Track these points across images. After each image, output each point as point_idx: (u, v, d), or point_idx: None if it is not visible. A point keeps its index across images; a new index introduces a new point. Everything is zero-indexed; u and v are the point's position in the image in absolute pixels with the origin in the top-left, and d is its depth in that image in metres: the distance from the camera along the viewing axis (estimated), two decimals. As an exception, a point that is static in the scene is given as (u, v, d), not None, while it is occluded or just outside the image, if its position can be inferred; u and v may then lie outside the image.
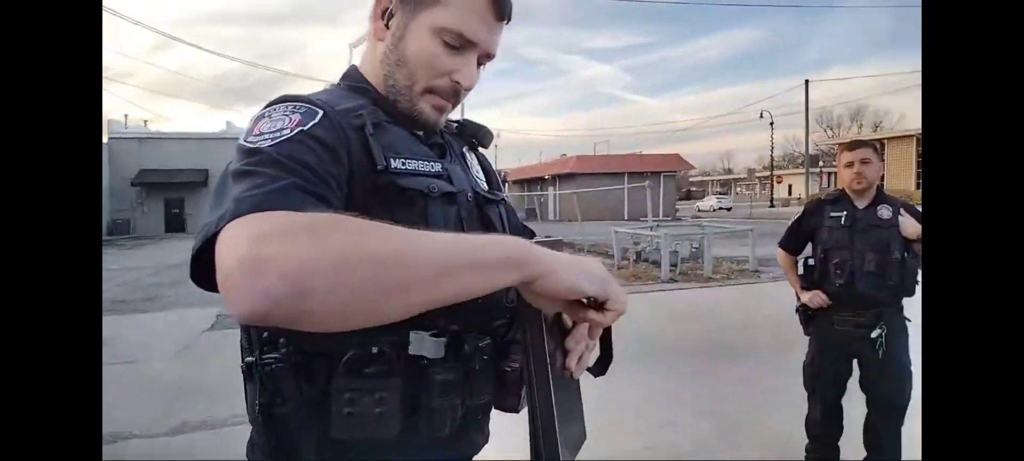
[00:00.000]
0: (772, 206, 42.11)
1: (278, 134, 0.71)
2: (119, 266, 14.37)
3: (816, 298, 2.71)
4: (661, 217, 20.29)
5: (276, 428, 0.75)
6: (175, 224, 28.82)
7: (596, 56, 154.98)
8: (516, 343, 0.84)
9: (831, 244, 2.68)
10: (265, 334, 0.75)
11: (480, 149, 1.03)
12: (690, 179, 74.30)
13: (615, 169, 32.16)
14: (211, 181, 28.57)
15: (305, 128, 0.72)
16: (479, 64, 0.88)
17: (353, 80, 0.89)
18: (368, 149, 0.78)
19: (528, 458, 0.70)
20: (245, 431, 3.36)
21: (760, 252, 10.96)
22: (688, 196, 61.92)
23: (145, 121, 32.40)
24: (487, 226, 0.90)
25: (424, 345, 0.76)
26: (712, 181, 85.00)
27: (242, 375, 0.83)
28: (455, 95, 0.88)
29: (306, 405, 0.74)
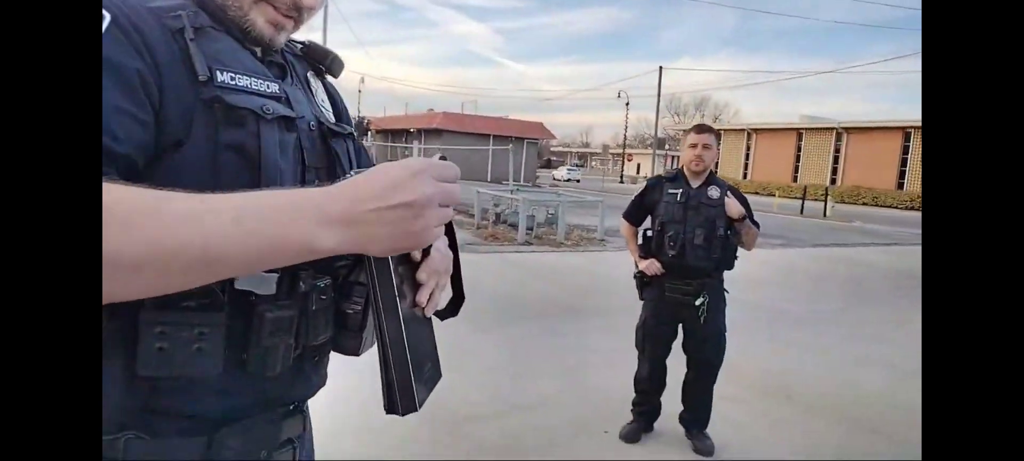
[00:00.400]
0: (622, 182, 45.22)
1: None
2: None
3: (652, 266, 3.00)
4: (522, 182, 20.90)
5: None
6: None
7: (469, 12, 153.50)
8: (360, 284, 0.79)
9: (667, 218, 2.97)
10: None
11: (329, 78, 0.94)
12: (551, 148, 77.07)
13: (481, 130, 32.43)
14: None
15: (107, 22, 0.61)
16: None
17: None
18: (188, 56, 0.67)
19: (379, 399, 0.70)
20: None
21: (608, 223, 11.78)
22: (548, 164, 64.31)
23: None
24: (331, 161, 0.83)
25: (252, 280, 0.68)
26: (571, 153, 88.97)
27: None
28: (296, 10, 0.77)
29: (110, 333, 0.63)
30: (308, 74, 0.89)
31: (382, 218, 0.59)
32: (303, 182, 0.77)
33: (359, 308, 0.79)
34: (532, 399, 3.50)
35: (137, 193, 0.54)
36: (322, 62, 0.91)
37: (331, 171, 0.83)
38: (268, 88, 0.75)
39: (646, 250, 3.05)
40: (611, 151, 68.47)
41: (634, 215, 3.17)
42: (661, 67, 31.28)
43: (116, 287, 0.52)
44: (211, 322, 0.67)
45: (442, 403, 3.26)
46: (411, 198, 0.60)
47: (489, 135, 31.49)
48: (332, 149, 0.84)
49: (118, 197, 0.52)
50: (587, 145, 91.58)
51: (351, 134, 0.90)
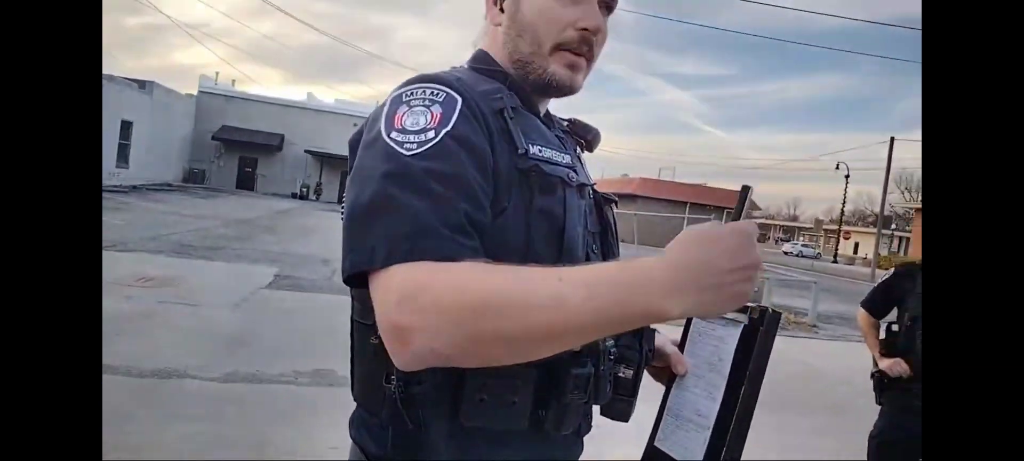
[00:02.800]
0: (835, 261, 40.32)
1: (422, 136, 0.70)
2: (192, 213, 15.12)
3: (897, 366, 2.54)
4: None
5: (410, 409, 0.74)
6: (246, 182, 30.14)
7: (675, 81, 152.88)
8: (629, 349, 0.85)
9: (921, 312, 2.51)
10: None
11: (584, 152, 1.00)
12: (754, 219, 72.05)
13: (678, 197, 31.59)
14: (285, 147, 29.88)
15: (449, 128, 0.71)
16: (606, 8, 0.85)
17: (483, 63, 0.88)
18: (508, 132, 0.77)
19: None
20: (292, 390, 3.45)
21: (821, 307, 10.48)
22: (750, 237, 60.00)
23: (234, 80, 34.01)
24: (605, 226, 0.90)
25: None
26: (775, 225, 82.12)
27: (358, 348, 0.82)
28: (586, 45, 0.84)
29: (439, 387, 0.72)
30: (575, 147, 0.95)
31: (724, 282, 0.62)
32: (584, 246, 0.83)
33: (632, 372, 0.85)
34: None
35: (520, 273, 0.64)
36: (585, 137, 0.98)
37: (604, 236, 0.90)
38: (565, 159, 0.82)
39: (889, 347, 2.60)
40: (824, 227, 61.66)
41: (878, 305, 2.74)
42: (892, 138, 27.65)
43: (495, 353, 0.63)
44: (525, 376, 0.73)
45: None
46: (748, 262, 0.64)
47: (686, 203, 30.49)
48: (604, 215, 0.91)
49: (501, 278, 0.63)
50: (795, 218, 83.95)
51: (615, 202, 0.96)
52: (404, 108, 0.73)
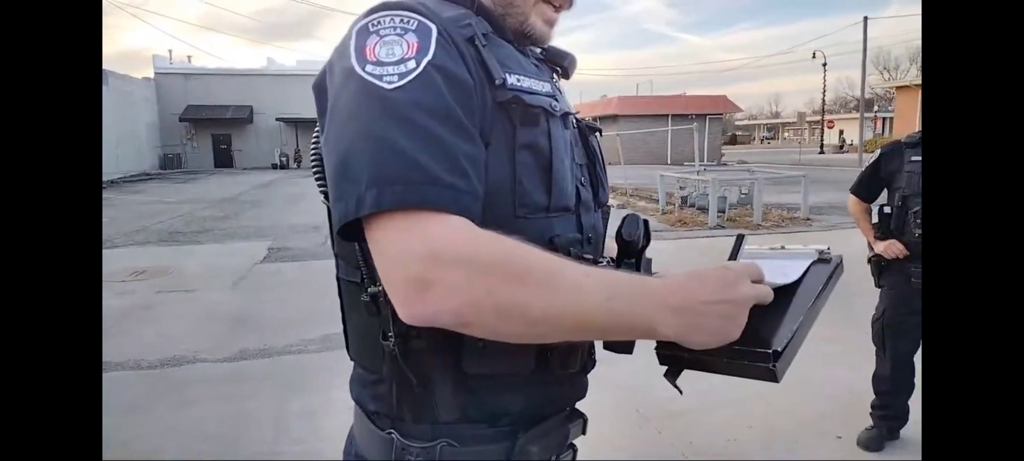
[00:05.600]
0: (822, 152, 40.49)
1: (402, 67, 0.65)
2: (174, 199, 14.89)
3: (892, 248, 2.57)
4: (707, 161, 19.75)
5: (410, 362, 0.72)
6: (223, 159, 29.54)
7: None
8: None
9: (911, 190, 2.52)
10: None
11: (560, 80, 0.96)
12: (736, 123, 71.82)
13: (659, 111, 31.24)
14: (256, 118, 29.13)
15: (429, 57, 0.66)
16: None
17: None
18: (483, 62, 0.71)
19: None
20: (303, 359, 3.47)
21: (812, 199, 10.59)
22: (734, 141, 60.01)
23: (189, 57, 32.77)
24: (591, 157, 0.86)
25: None
26: (759, 125, 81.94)
27: (349, 307, 0.80)
28: (569, 3, 0.83)
29: (439, 338, 0.69)
30: (552, 74, 0.89)
31: (710, 311, 0.64)
32: (573, 179, 0.79)
33: None
34: (744, 395, 3.23)
35: (548, 257, 0.63)
36: (561, 63, 0.91)
37: (592, 167, 0.85)
38: (544, 87, 0.77)
39: (883, 230, 2.63)
40: (808, 119, 61.55)
41: (866, 189, 2.75)
42: (866, 17, 27.19)
43: (511, 330, 0.62)
44: None
45: (648, 396, 3.17)
46: (737, 297, 0.65)
47: (667, 115, 30.26)
48: (590, 144, 0.86)
49: (539, 260, 0.62)
50: (777, 114, 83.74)
51: (599, 130, 0.91)
52: (374, 38, 0.67)
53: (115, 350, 4.05)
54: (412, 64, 0.65)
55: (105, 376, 3.66)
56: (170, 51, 31.53)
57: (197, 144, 29.37)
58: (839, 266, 0.81)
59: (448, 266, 0.59)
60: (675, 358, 0.70)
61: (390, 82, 0.64)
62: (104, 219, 10.91)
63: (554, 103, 0.77)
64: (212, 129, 29.29)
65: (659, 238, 8.42)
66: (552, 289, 0.61)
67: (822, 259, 0.81)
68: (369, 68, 0.65)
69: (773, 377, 0.65)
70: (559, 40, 0.94)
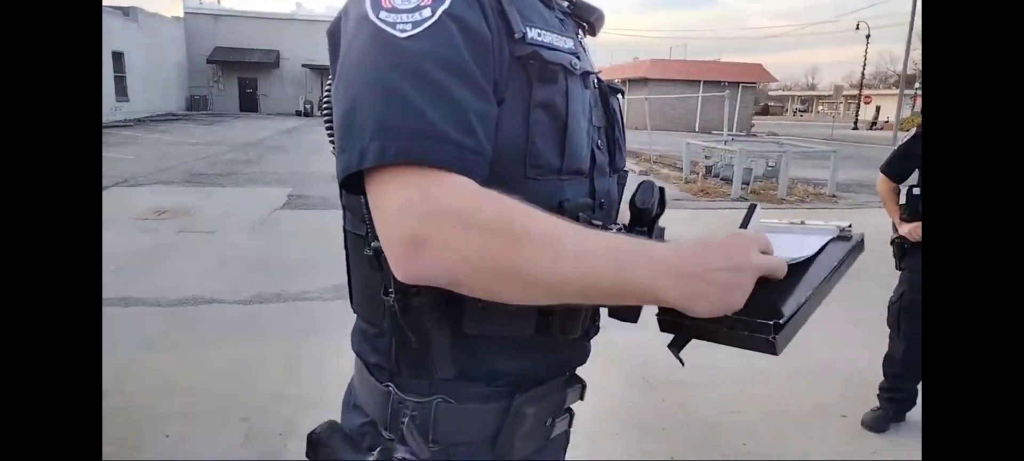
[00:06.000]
0: (855, 128, 39.35)
1: (417, 15, 0.62)
2: (199, 141, 15.07)
3: (917, 231, 2.49)
4: (735, 131, 19.31)
5: (409, 319, 0.70)
6: (249, 104, 29.72)
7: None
8: None
9: (944, 173, 2.41)
10: None
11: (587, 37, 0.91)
12: (770, 93, 69.96)
13: (691, 76, 30.49)
14: (282, 63, 29.15)
15: (446, 6, 0.63)
16: None
17: None
18: (503, 13, 0.68)
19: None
20: (316, 306, 3.51)
21: (841, 176, 10.32)
22: (765, 111, 58.51)
23: (219, -2, 32.70)
24: (611, 120, 0.83)
25: None
26: (793, 96, 79.73)
27: (354, 259, 0.79)
28: None
29: (438, 297, 0.67)
30: (578, 32, 0.85)
31: (718, 279, 0.62)
32: (589, 142, 0.76)
33: None
34: (749, 372, 3.21)
35: (550, 220, 0.61)
36: (588, 19, 0.87)
37: (610, 131, 0.82)
38: (567, 44, 0.74)
39: (910, 211, 2.54)
40: (845, 93, 59.60)
41: (897, 169, 2.65)
42: (917, -12, 25.91)
43: (508, 292, 0.60)
44: None
45: (653, 364, 3.17)
46: (745, 264, 0.63)
47: (699, 81, 29.55)
48: (610, 107, 0.82)
49: (542, 223, 0.60)
50: (813, 87, 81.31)
51: (622, 91, 0.87)
52: None
53: (136, 287, 4.15)
54: (427, 12, 0.62)
55: (125, 311, 3.77)
56: (199, -9, 31.43)
57: (223, 87, 29.54)
58: (859, 245, 0.78)
59: (444, 224, 0.57)
60: (676, 324, 0.68)
61: (403, 30, 0.61)
62: (129, 156, 11.10)
63: (575, 61, 0.73)
64: (239, 72, 29.38)
65: (680, 207, 8.31)
66: (552, 252, 0.59)
67: (842, 236, 0.78)
68: (383, 15, 0.63)
69: (772, 349, 0.62)
70: None
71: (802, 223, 0.85)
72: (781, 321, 0.62)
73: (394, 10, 0.62)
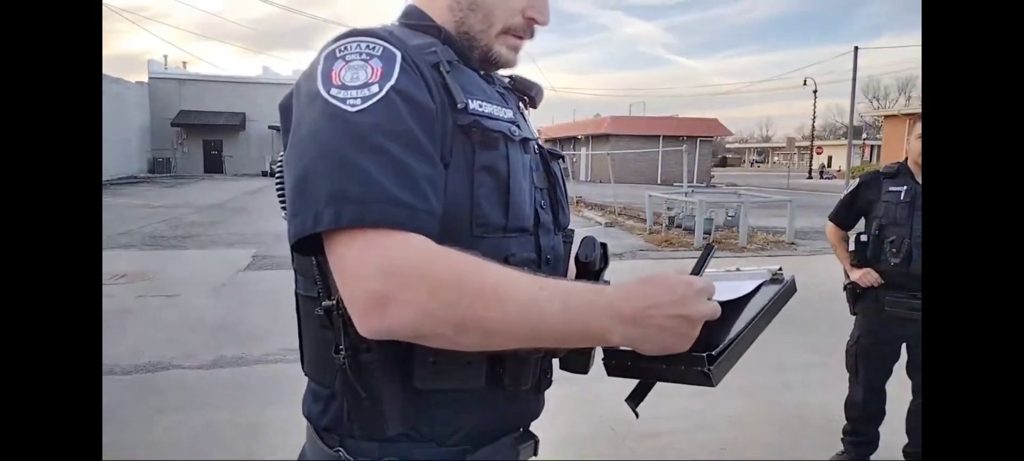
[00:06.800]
0: (810, 177, 40.90)
1: (366, 91, 0.67)
2: (161, 203, 14.78)
3: (867, 277, 2.60)
4: (696, 183, 19.89)
5: (361, 376, 0.71)
6: (214, 165, 29.41)
7: (638, 13, 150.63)
8: None
9: (888, 220, 2.55)
10: None
11: (528, 109, 0.98)
12: (726, 146, 72.47)
13: (650, 132, 31.51)
14: (248, 125, 29.06)
15: (392, 82, 0.68)
16: None
17: (414, 19, 0.84)
18: (446, 87, 0.74)
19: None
20: (281, 369, 3.43)
21: (798, 224, 10.68)
22: (723, 163, 60.48)
23: (184, 62, 32.69)
24: (552, 182, 0.88)
25: None
26: (749, 148, 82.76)
27: (305, 321, 0.81)
28: (530, 32, 0.86)
29: (388, 354, 0.70)
30: (518, 104, 0.92)
31: (663, 325, 0.66)
32: (532, 202, 0.81)
33: None
34: (718, 420, 3.24)
35: (500, 270, 0.65)
36: (528, 93, 0.95)
37: (553, 191, 0.87)
38: (506, 114, 0.80)
39: (860, 258, 2.66)
40: (797, 145, 62.23)
41: (844, 217, 2.78)
42: (856, 48, 27.67)
43: (468, 341, 0.64)
44: None
45: (619, 416, 3.17)
46: (691, 313, 0.67)
47: (659, 136, 30.50)
48: (552, 170, 0.88)
49: (494, 274, 0.64)
50: (768, 139, 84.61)
51: (562, 156, 0.94)
52: (340, 63, 0.69)
53: (90, 354, 3.99)
54: (375, 88, 0.67)
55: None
56: (165, 56, 31.43)
57: (188, 149, 29.23)
58: (791, 287, 0.84)
59: (405, 282, 0.61)
60: (620, 367, 0.73)
61: (353, 105, 0.66)
62: (88, 221, 10.79)
63: (514, 129, 0.79)
64: (204, 135, 29.18)
65: (644, 257, 8.45)
66: (507, 301, 0.63)
67: (774, 279, 0.85)
68: (334, 91, 0.67)
69: (709, 381, 0.68)
70: (555, 59, 1.00)
71: (737, 270, 0.92)
72: (714, 353, 0.68)
73: (344, 87, 0.67)
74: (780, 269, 0.86)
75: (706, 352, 0.67)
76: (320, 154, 0.64)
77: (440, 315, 0.61)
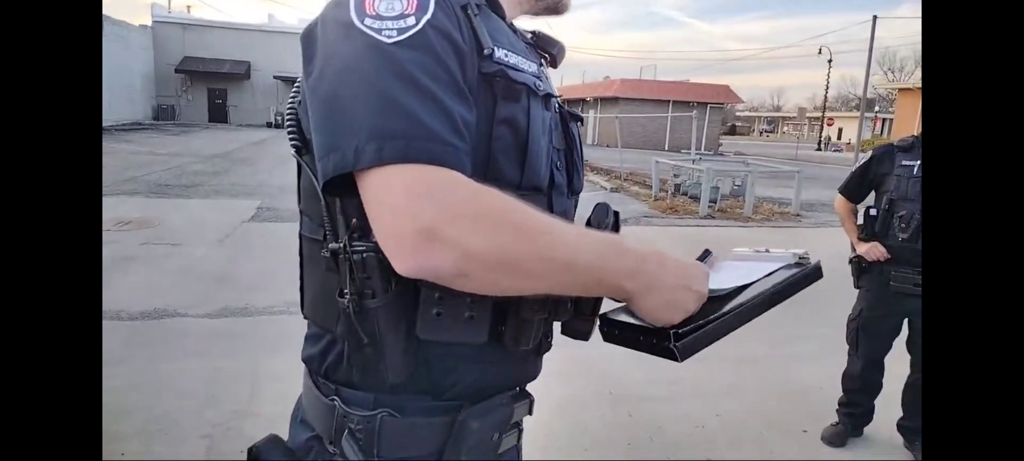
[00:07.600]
0: (819, 149, 40.51)
1: (401, 22, 0.64)
2: (165, 151, 14.74)
3: (874, 251, 2.58)
4: (704, 150, 19.72)
5: (365, 323, 0.70)
6: (218, 114, 29.23)
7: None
8: None
9: (898, 195, 2.51)
10: (355, 220, 0.68)
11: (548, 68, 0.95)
12: (737, 114, 71.61)
13: (661, 96, 31.06)
14: (253, 74, 28.75)
15: (429, 16, 0.65)
16: None
17: None
18: (474, 31, 0.70)
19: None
20: (283, 320, 3.45)
21: (804, 195, 10.61)
22: (733, 131, 59.83)
23: (188, 7, 32.25)
24: (570, 144, 0.85)
25: None
26: (759, 117, 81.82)
27: (309, 264, 0.79)
28: None
29: (393, 302, 0.69)
30: (540, 61, 0.88)
31: (670, 291, 0.72)
32: (548, 162, 0.79)
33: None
34: (715, 388, 3.27)
35: (542, 215, 0.65)
36: (549, 51, 0.91)
37: (569, 153, 0.84)
38: (531, 67, 0.77)
39: (867, 231, 2.63)
40: (808, 115, 61.38)
41: (854, 190, 2.75)
42: (875, 17, 27.00)
43: (507, 282, 0.64)
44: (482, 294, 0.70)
45: (618, 380, 3.20)
46: (698, 290, 0.74)
47: (669, 101, 30.11)
48: (570, 132, 0.85)
49: (538, 214, 0.64)
50: (779, 108, 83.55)
51: (582, 119, 0.91)
52: None
53: (95, 299, 4.02)
54: (411, 21, 0.64)
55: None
56: (169, 0, 30.89)
57: (192, 97, 29.00)
58: (815, 271, 0.84)
59: (456, 218, 0.59)
60: (610, 334, 0.78)
61: (389, 36, 0.63)
62: (93, 166, 10.78)
63: (538, 83, 0.76)
64: (208, 83, 28.91)
65: (649, 224, 8.43)
66: (549, 241, 0.63)
67: (798, 263, 0.85)
68: (368, 21, 0.64)
69: (674, 356, 0.71)
70: (567, 16, 0.93)
71: (767, 250, 0.91)
72: (681, 331, 0.71)
73: (379, 17, 0.64)
74: (806, 253, 0.85)
75: (674, 329, 0.72)
76: (356, 87, 0.62)
77: (485, 255, 0.60)
